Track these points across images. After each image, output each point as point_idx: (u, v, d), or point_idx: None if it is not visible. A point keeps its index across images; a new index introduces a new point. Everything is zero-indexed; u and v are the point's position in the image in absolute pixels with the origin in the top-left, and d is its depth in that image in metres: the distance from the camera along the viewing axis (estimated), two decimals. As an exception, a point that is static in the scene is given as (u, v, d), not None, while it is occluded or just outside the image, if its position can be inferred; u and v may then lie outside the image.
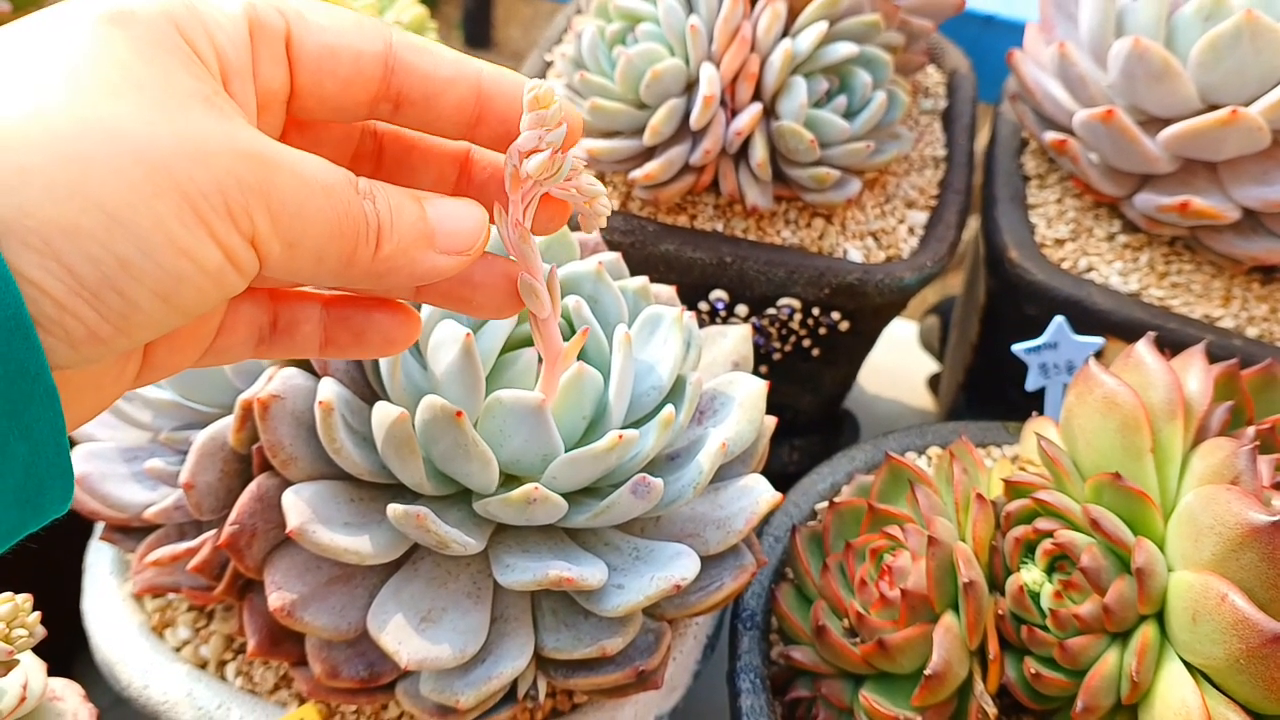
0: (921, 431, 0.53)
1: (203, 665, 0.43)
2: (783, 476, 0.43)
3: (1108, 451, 0.39)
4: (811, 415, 0.64)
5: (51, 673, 0.41)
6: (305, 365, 0.39)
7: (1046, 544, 0.39)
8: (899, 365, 0.82)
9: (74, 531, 0.47)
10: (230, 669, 0.43)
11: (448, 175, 0.29)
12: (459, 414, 0.36)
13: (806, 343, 0.56)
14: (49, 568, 0.47)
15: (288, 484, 0.38)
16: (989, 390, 0.61)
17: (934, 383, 0.82)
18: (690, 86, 0.52)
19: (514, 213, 0.28)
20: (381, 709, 0.42)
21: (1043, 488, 0.40)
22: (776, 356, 0.57)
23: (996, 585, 0.40)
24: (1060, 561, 0.38)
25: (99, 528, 0.44)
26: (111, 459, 0.42)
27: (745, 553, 0.41)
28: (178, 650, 0.43)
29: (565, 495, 0.38)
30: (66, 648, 0.44)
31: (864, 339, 0.59)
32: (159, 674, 0.42)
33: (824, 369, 0.59)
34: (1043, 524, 0.39)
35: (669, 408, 0.40)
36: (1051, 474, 0.41)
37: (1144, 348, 0.40)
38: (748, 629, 0.44)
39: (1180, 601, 0.35)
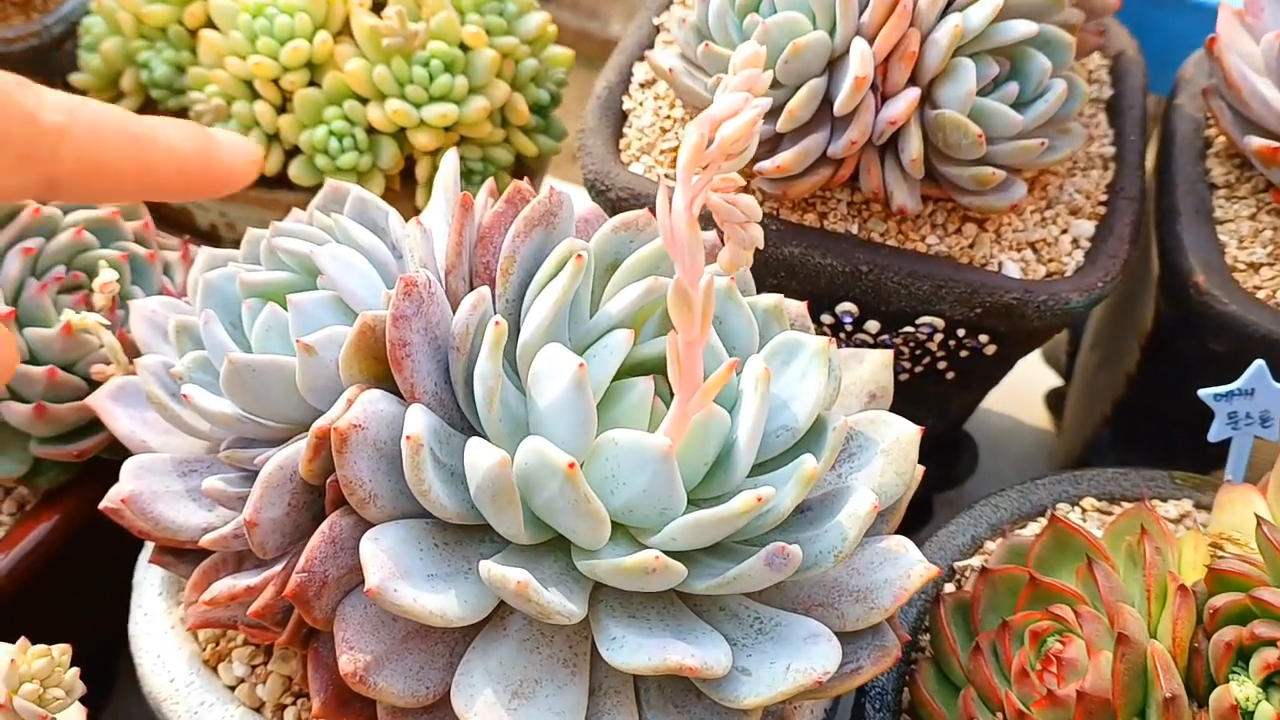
0: (1075, 479, 0.46)
1: (259, 708, 0.38)
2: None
3: (1358, 549, 0.31)
4: (929, 439, 0.57)
5: (93, 693, 0.37)
6: (391, 388, 0.33)
7: (1267, 654, 0.32)
8: (1014, 378, 0.74)
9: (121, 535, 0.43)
10: (289, 714, 0.38)
11: None
12: (571, 466, 0.30)
13: (942, 365, 0.49)
14: (92, 570, 0.43)
15: (364, 524, 0.33)
16: (1147, 431, 0.54)
17: (1052, 399, 0.75)
18: (832, 64, 0.44)
19: (687, 195, 0.22)
20: (456, 778, 0.37)
21: (1261, 582, 0.33)
22: (904, 378, 0.50)
23: (1194, 694, 0.33)
24: (1286, 679, 0.32)
25: (148, 547, 0.40)
26: (164, 474, 0.37)
27: (887, 631, 0.35)
28: (233, 689, 0.38)
29: (681, 554, 0.32)
30: (112, 642, 0.40)
31: (1006, 363, 0.52)
32: (212, 716, 0.37)
33: (955, 393, 0.52)
34: (1262, 629, 0.32)
35: (809, 459, 0.33)
36: (1270, 563, 0.34)
37: None
38: (878, 710, 0.38)
39: None
